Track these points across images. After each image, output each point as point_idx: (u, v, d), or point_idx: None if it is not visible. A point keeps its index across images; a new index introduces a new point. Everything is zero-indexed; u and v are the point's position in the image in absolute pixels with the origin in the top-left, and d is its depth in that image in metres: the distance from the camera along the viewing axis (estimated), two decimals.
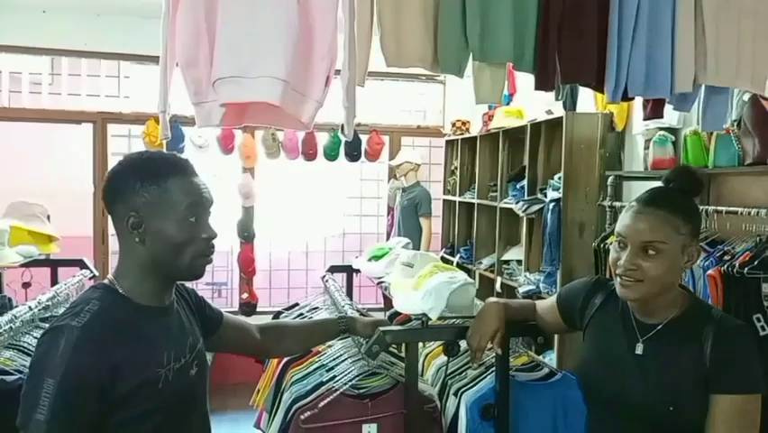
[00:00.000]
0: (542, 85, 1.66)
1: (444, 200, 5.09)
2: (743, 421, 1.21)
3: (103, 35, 4.50)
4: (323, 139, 5.03)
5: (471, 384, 1.71)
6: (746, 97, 2.16)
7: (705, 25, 1.71)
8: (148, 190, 1.16)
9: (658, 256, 1.26)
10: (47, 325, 1.97)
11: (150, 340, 1.18)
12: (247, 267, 5.04)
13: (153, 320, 1.20)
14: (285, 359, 1.97)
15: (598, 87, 1.75)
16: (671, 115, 2.60)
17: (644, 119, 1.94)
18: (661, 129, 2.70)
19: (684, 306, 1.33)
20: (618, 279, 1.30)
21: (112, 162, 4.80)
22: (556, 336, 2.98)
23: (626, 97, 1.77)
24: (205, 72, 1.32)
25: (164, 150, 4.69)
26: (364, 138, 5.13)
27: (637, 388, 1.30)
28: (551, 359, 3.06)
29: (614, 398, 1.33)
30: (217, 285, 5.72)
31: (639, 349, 1.33)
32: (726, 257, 2.04)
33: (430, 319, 1.70)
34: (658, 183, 1.42)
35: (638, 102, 2.80)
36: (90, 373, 1.07)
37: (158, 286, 1.23)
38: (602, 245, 2.69)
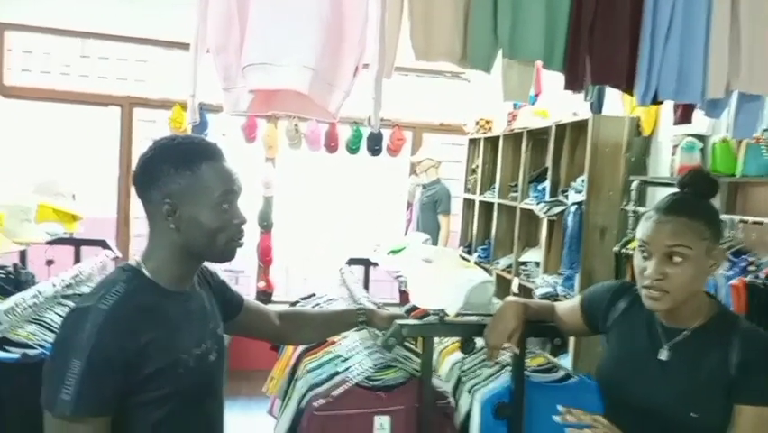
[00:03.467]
0: (571, 84, 1.65)
1: (464, 199, 5.06)
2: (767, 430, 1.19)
3: (132, 19, 4.54)
4: (345, 132, 5.04)
5: (486, 382, 1.70)
6: None
7: (741, 31, 1.68)
8: (182, 176, 1.17)
9: (684, 262, 1.24)
10: (69, 302, 2.03)
11: (174, 325, 1.19)
12: (265, 256, 5.07)
13: (177, 305, 1.22)
14: (300, 347, 1.98)
15: (628, 89, 1.73)
16: (699, 122, 2.56)
17: (674, 124, 1.91)
18: (689, 135, 2.65)
19: (711, 313, 1.31)
20: (645, 290, 1.28)
21: (137, 146, 4.93)
22: (572, 340, 2.96)
23: (656, 101, 1.75)
24: (234, 58, 1.33)
25: (188, 132, 4.73)
26: (386, 133, 5.13)
27: (660, 394, 1.29)
28: (566, 362, 3.03)
29: (635, 403, 1.32)
30: (235, 272, 5.77)
31: (664, 355, 1.32)
32: (750, 268, 2.01)
33: (447, 315, 1.70)
34: (673, 191, 1.40)
35: (666, 107, 2.78)
36: (115, 356, 1.08)
37: (185, 270, 1.24)
38: (624, 250, 2.66)
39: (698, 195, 1.32)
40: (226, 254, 1.24)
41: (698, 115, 1.90)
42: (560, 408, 1.26)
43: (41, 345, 1.65)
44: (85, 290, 2.24)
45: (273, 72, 1.27)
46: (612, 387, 1.41)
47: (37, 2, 4.44)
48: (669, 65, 1.69)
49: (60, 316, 1.90)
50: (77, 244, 2.90)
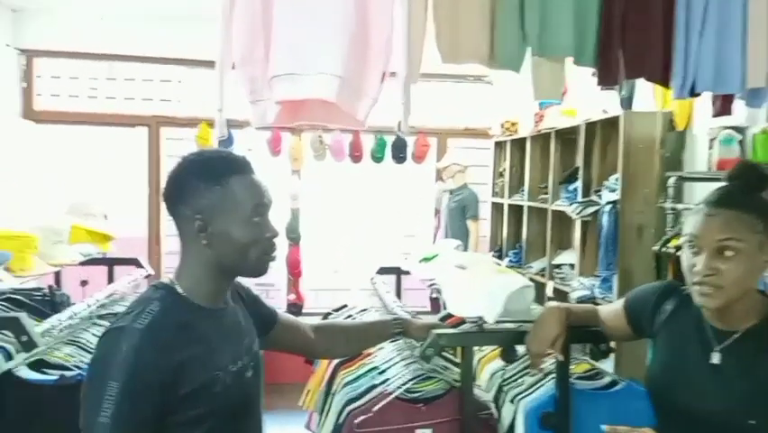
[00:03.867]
0: (605, 80, 1.60)
1: (492, 203, 5.00)
2: None
3: (156, 40, 4.61)
4: (369, 141, 5.02)
5: (529, 391, 1.65)
6: None
7: None
8: (212, 191, 1.15)
9: (736, 257, 1.18)
10: (104, 322, 2.04)
11: (210, 342, 1.17)
12: (294, 268, 5.07)
13: (212, 321, 1.20)
14: (335, 361, 1.95)
15: (664, 82, 1.68)
16: (737, 113, 2.47)
17: (713, 116, 1.84)
18: (726, 128, 2.56)
19: (765, 313, 1.24)
20: (697, 287, 1.22)
21: (165, 165, 4.99)
22: (613, 344, 2.87)
23: (694, 93, 1.68)
24: (261, 70, 1.32)
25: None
26: (411, 140, 5.10)
27: (714, 400, 1.22)
28: (606, 367, 2.95)
29: (688, 410, 1.26)
30: (265, 286, 5.78)
31: (716, 358, 1.25)
32: None
33: (485, 323, 1.65)
34: (722, 184, 1.33)
35: (700, 99, 2.70)
36: (153, 376, 1.07)
37: (218, 286, 1.23)
38: (664, 249, 2.57)
39: (748, 187, 1.25)
40: (259, 269, 1.23)
41: (735, 106, 1.83)
42: (603, 428, 1.20)
43: (77, 367, 1.65)
44: (119, 309, 2.24)
45: (300, 82, 1.25)
46: (662, 394, 1.34)
47: (63, 28, 4.54)
48: (706, 55, 1.63)
49: (96, 336, 1.90)
50: (111, 263, 2.93)
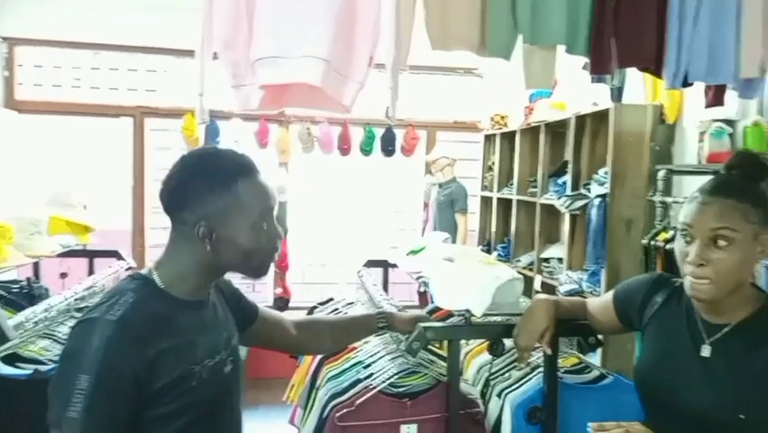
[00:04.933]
0: (597, 68, 1.57)
1: (481, 196, 4.98)
2: None
3: (141, 29, 4.52)
4: (358, 134, 4.98)
5: (516, 385, 1.63)
6: None
7: None
8: (218, 197, 1.11)
9: (729, 247, 1.15)
10: (81, 315, 1.98)
11: (186, 335, 1.13)
12: (281, 262, 5.02)
13: (190, 314, 1.16)
14: (319, 355, 1.91)
15: (657, 71, 1.65)
16: (727, 106, 2.45)
17: (706, 106, 1.82)
18: (716, 121, 2.55)
19: (756, 306, 1.22)
20: (689, 277, 1.19)
21: (150, 156, 4.92)
22: (601, 337, 2.86)
23: (686, 83, 1.66)
24: (243, 54, 1.27)
25: (199, 141, 4.71)
26: (400, 133, 5.07)
27: (704, 393, 1.20)
28: (594, 360, 2.94)
29: (677, 404, 1.23)
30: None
31: (706, 351, 1.23)
32: None
33: (473, 316, 1.62)
34: (719, 173, 1.31)
35: (690, 92, 2.68)
36: (126, 369, 1.03)
37: (204, 281, 1.19)
38: (653, 242, 2.56)
39: (746, 178, 1.23)
40: (261, 271, 1.20)
41: (727, 98, 1.81)
42: (590, 425, 1.18)
43: (53, 361, 1.60)
44: (96, 301, 2.20)
45: (284, 65, 1.21)
46: (652, 387, 1.32)
47: (46, 16, 4.44)
48: (699, 45, 1.60)
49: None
50: (91, 255, 2.87)
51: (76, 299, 2.01)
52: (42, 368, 1.56)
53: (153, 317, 1.09)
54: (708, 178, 1.27)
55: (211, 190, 1.10)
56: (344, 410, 1.50)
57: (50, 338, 1.74)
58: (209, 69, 1.36)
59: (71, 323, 1.90)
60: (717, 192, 1.19)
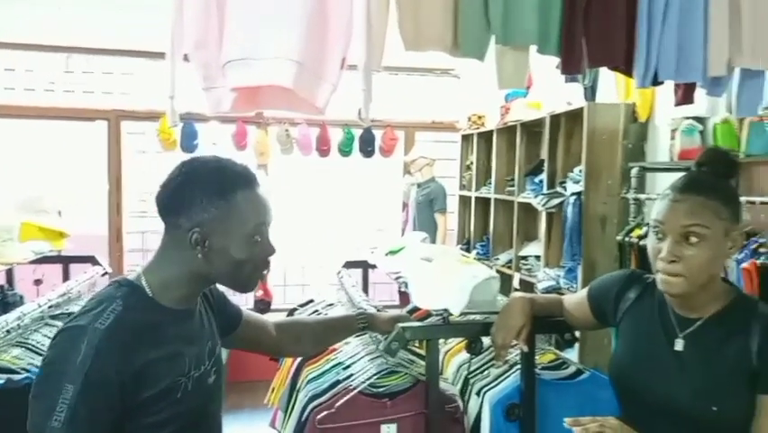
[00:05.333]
0: (568, 68, 1.59)
1: (460, 196, 5.01)
2: None
3: (116, 32, 4.45)
4: (337, 135, 4.98)
5: (495, 383, 1.64)
6: None
7: (741, 5, 1.62)
8: (216, 206, 1.10)
9: (701, 243, 1.17)
10: (57, 322, 1.95)
11: (174, 346, 1.12)
12: None
13: (177, 324, 1.14)
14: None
15: (627, 71, 1.67)
16: (698, 104, 2.50)
17: (676, 105, 1.84)
18: (687, 118, 2.59)
19: (727, 300, 1.24)
20: (660, 273, 1.21)
21: (127, 160, 4.85)
22: (578, 333, 2.89)
23: (656, 82, 1.68)
24: (214, 55, 1.26)
25: (176, 145, 4.67)
26: (378, 134, 5.08)
27: (677, 387, 1.22)
28: (571, 356, 2.97)
29: (651, 398, 1.25)
30: None
31: (679, 345, 1.25)
32: (761, 249, 1.95)
33: (451, 315, 1.63)
34: (690, 170, 1.33)
35: (662, 91, 2.72)
36: (112, 380, 1.01)
37: (193, 290, 1.18)
38: (627, 239, 2.59)
39: (716, 175, 1.25)
40: (249, 285, 1.20)
41: (697, 96, 1.84)
42: (566, 420, 1.19)
43: (26, 369, 1.57)
44: (74, 308, 2.16)
45: (255, 67, 1.20)
46: (626, 382, 1.34)
47: (18, 18, 4.35)
48: (668, 44, 1.63)
49: (48, 337, 1.82)
50: (66, 261, 2.82)
51: (50, 307, 1.97)
52: (15, 377, 1.53)
53: (142, 327, 1.07)
54: (680, 174, 1.29)
55: (209, 198, 1.09)
56: (324, 412, 1.49)
57: (23, 347, 1.71)
58: (182, 72, 1.35)
59: (45, 331, 1.87)
60: (689, 189, 1.21)
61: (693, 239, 1.17)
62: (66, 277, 2.75)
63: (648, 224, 1.27)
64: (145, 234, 5.06)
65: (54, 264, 2.81)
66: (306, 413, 1.56)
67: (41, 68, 4.78)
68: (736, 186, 1.29)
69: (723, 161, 1.28)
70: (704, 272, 1.19)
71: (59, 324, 1.94)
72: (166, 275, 1.13)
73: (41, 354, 1.70)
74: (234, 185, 1.11)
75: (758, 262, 1.90)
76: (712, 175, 1.26)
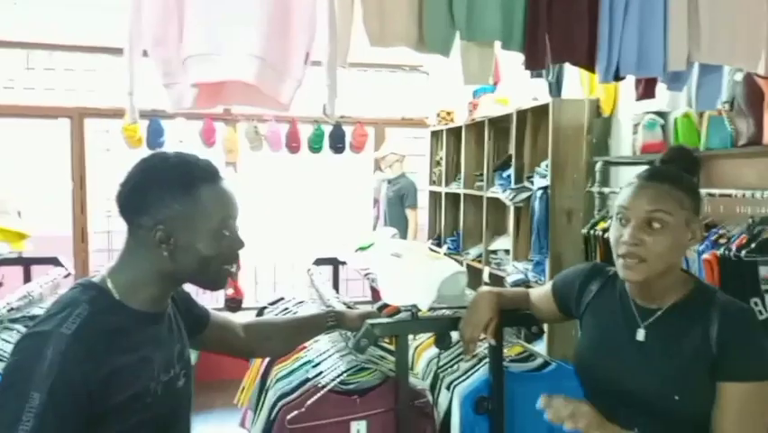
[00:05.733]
0: (531, 64, 1.60)
1: (430, 191, 5.03)
2: (753, 408, 1.15)
3: (79, 27, 4.34)
4: (306, 131, 4.95)
5: (464, 377, 1.65)
6: (738, 77, 2.11)
7: (699, 1, 1.65)
8: (179, 202, 1.07)
9: (663, 230, 1.20)
10: (18, 326, 1.89)
11: (142, 351, 1.09)
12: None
13: (146, 328, 1.11)
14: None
15: (590, 66, 1.70)
16: (659, 98, 2.55)
17: (637, 99, 1.88)
18: (649, 113, 2.65)
19: (687, 289, 1.27)
20: (621, 259, 1.24)
21: (91, 158, 4.74)
22: (546, 325, 2.93)
23: (618, 77, 1.71)
24: (174, 51, 1.23)
25: (142, 142, 4.58)
26: (348, 130, 5.07)
27: (639, 377, 1.24)
28: (540, 348, 3.01)
29: (615, 388, 1.27)
30: None
31: (640, 336, 1.27)
32: (721, 240, 2.00)
33: (420, 310, 1.64)
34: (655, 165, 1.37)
35: (624, 86, 2.77)
36: (80, 387, 0.98)
37: (163, 292, 1.15)
38: (592, 232, 2.64)
39: (680, 170, 1.30)
40: (219, 282, 1.16)
41: (658, 91, 1.88)
42: (541, 398, 1.20)
43: None
44: (37, 311, 2.10)
45: (216, 63, 1.18)
46: (589, 372, 1.36)
47: None
48: (629, 39, 1.65)
49: (7, 342, 1.77)
50: (27, 263, 2.75)
51: (9, 310, 1.92)
52: None
53: (109, 332, 1.04)
54: (642, 168, 1.33)
55: (171, 194, 1.07)
56: (294, 412, 1.48)
57: None
58: (146, 68, 1.32)
59: (5, 335, 1.82)
60: (654, 178, 1.25)
61: (656, 225, 1.20)
62: (27, 279, 2.68)
63: (612, 216, 1.30)
64: (111, 234, 4.97)
65: (14, 266, 2.73)
66: (274, 412, 1.55)
67: (0, 64, 4.64)
68: (698, 183, 1.33)
69: (687, 159, 1.33)
70: (664, 259, 1.21)
71: (20, 327, 1.90)
72: (132, 276, 1.10)
73: (1, 360, 1.66)
74: (197, 179, 1.09)
75: (718, 252, 1.95)
76: (677, 168, 1.30)
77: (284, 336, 1.54)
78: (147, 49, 1.26)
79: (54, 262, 2.64)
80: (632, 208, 1.23)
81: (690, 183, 1.27)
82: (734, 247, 1.91)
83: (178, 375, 1.18)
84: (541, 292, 1.56)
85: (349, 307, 1.88)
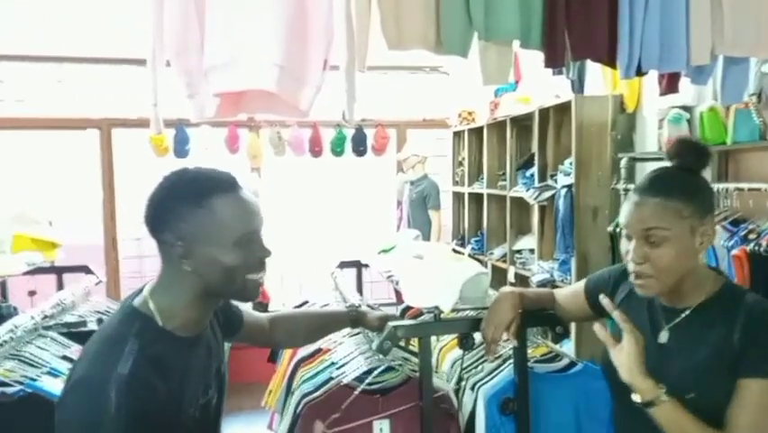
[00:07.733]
0: (551, 62, 1.59)
1: (453, 192, 5.01)
2: None
3: (106, 40, 4.43)
4: (329, 135, 4.98)
5: (488, 378, 1.64)
6: (766, 69, 2.07)
7: None
8: (192, 214, 1.06)
9: (664, 244, 1.17)
10: (51, 333, 1.94)
11: (188, 378, 1.10)
12: None
13: (188, 353, 1.12)
14: (296, 358, 1.91)
15: (611, 62, 1.67)
16: (684, 93, 2.51)
17: (660, 94, 1.85)
18: (674, 107, 2.60)
19: (714, 289, 1.24)
20: (632, 275, 1.22)
21: (120, 168, 4.84)
22: (573, 325, 2.90)
23: (640, 72, 1.69)
24: (196, 61, 1.26)
25: (168, 150, 4.67)
26: (370, 133, 5.08)
27: (658, 377, 1.22)
28: (568, 348, 2.98)
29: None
30: None
31: (663, 338, 1.26)
32: (751, 236, 1.96)
33: (442, 312, 1.64)
34: (656, 168, 1.33)
35: (648, 81, 2.73)
36: (145, 421, 1.00)
37: (202, 314, 1.15)
38: (618, 229, 2.60)
39: (686, 166, 1.25)
40: (248, 291, 1.14)
41: (682, 85, 1.85)
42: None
43: (19, 382, 1.57)
44: (69, 318, 2.16)
45: (237, 72, 1.20)
46: (614, 375, 1.34)
47: (7, 30, 4.33)
48: (650, 34, 1.63)
49: (42, 349, 1.82)
50: (59, 271, 2.82)
51: (43, 318, 1.97)
52: (8, 390, 1.53)
53: (160, 364, 1.05)
54: (668, 164, 1.29)
55: (187, 208, 1.06)
56: (317, 409, 1.50)
57: (16, 359, 1.70)
58: (170, 77, 1.35)
59: (40, 342, 1.86)
60: (647, 192, 1.21)
61: (655, 241, 1.18)
62: (60, 287, 2.75)
63: None
64: (141, 241, 5.06)
65: (48, 275, 2.81)
66: (299, 408, 1.57)
67: (31, 78, 4.77)
68: (708, 176, 1.27)
69: (693, 151, 1.26)
70: (673, 270, 1.19)
71: (53, 334, 1.95)
72: (171, 300, 1.10)
73: (34, 366, 1.70)
74: (209, 190, 1.08)
75: (748, 248, 1.91)
76: (678, 170, 1.25)
77: (307, 331, 1.58)
78: (169, 59, 1.29)
79: (85, 270, 2.70)
80: (630, 226, 1.21)
81: (689, 186, 1.22)
82: (764, 243, 1.86)
83: (213, 395, 1.20)
84: (569, 292, 1.54)
85: (372, 309, 1.89)
